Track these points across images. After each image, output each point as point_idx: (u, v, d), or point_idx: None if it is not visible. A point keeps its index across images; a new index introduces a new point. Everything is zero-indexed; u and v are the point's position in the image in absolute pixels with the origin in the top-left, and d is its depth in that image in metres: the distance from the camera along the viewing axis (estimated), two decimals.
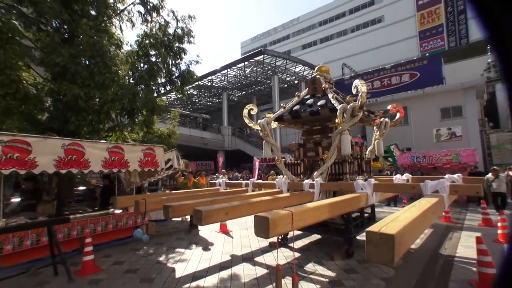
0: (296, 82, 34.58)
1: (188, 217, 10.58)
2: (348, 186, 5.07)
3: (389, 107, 7.71)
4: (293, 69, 32.51)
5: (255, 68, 31.23)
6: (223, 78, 33.29)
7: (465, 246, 6.21)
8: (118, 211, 7.31)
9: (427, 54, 32.27)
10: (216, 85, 34.80)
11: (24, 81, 6.85)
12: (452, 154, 13.01)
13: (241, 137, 32.65)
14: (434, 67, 21.09)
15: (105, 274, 5.02)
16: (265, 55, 28.38)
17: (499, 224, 6.68)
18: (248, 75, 32.78)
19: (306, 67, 31.40)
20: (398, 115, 7.51)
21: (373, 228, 2.10)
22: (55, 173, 5.63)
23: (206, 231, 8.41)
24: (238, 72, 32.04)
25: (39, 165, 5.19)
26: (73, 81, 6.78)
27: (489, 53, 26.14)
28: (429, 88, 19.73)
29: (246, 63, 29.95)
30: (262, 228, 2.71)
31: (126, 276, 4.92)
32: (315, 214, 3.29)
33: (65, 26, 7.68)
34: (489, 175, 9.89)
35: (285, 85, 35.18)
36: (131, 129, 9.42)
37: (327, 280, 4.55)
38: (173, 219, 10.40)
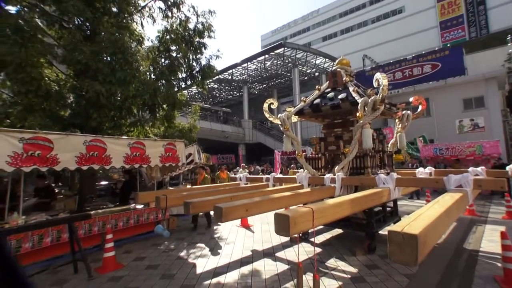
0: (316, 74, 34.21)
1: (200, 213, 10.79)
2: (370, 180, 4.96)
3: (411, 99, 7.43)
4: (314, 61, 32.14)
5: (275, 61, 31.13)
6: (243, 72, 33.40)
7: (489, 240, 6.04)
8: (139, 206, 7.48)
9: (448, 45, 31.23)
10: (237, 78, 34.96)
11: (47, 78, 6.99)
12: (475, 146, 12.70)
13: (261, 130, 32.72)
14: (456, 57, 20.46)
15: (126, 271, 5.06)
16: (285, 48, 28.22)
17: None
18: (269, 68, 32.74)
19: (327, 59, 31.02)
20: (420, 107, 7.23)
21: (396, 227, 2.03)
22: (77, 169, 5.73)
23: (227, 225, 8.49)
24: (259, 65, 32.06)
25: (61, 162, 5.26)
26: (94, 78, 6.90)
27: (509, 44, 25.34)
28: (451, 79, 19.23)
29: (266, 56, 29.90)
30: (282, 226, 2.69)
31: (146, 272, 4.97)
32: (336, 210, 3.23)
33: (87, 24, 7.82)
34: None
35: (306, 78, 34.90)
36: (152, 124, 9.59)
37: (349, 276, 4.49)
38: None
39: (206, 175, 9.82)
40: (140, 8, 8.98)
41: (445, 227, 2.61)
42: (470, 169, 4.89)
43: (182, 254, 5.96)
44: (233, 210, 3.38)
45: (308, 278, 4.32)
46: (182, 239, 7.14)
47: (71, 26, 7.74)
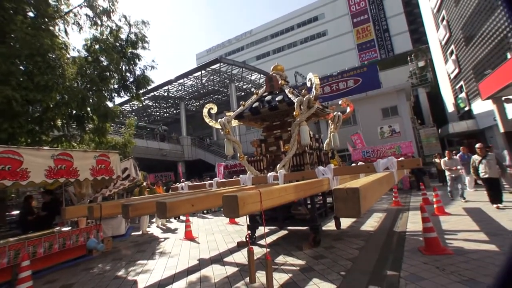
0: (253, 89, 35.10)
1: (149, 230, 10.07)
2: (310, 173, 5.19)
3: (340, 102, 8.17)
4: (249, 77, 33.22)
5: (211, 77, 31.29)
6: (180, 88, 32.77)
7: (412, 222, 6.92)
8: (65, 228, 6.58)
9: (365, 63, 36.07)
10: (173, 95, 34.08)
11: None
12: (395, 146, 14.87)
13: (201, 146, 32.03)
14: (373, 73, 23.99)
15: None
16: (221, 64, 28.62)
17: (434, 200, 7.79)
18: (206, 84, 32.72)
19: (262, 75, 32.25)
20: (348, 109, 7.98)
21: (339, 186, 2.17)
22: None
23: (170, 240, 8.02)
24: (195, 81, 31.86)
25: None
26: (6, 82, 6.00)
27: (409, 64, 32.00)
28: (370, 91, 21.80)
29: (203, 72, 29.86)
30: (231, 208, 2.61)
31: None
32: (281, 194, 3.28)
33: None
34: (475, 156, 7.76)
35: (243, 93, 35.60)
36: (80, 140, 8.65)
37: (298, 268, 4.56)
38: (132, 233, 9.74)
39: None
40: (63, 14, 8.21)
41: (379, 191, 2.86)
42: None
43: (120, 273, 5.36)
44: (178, 205, 3.20)
45: (258, 276, 4.25)
46: (119, 259, 6.44)
47: None
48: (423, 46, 35.05)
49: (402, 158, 5.62)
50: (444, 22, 21.22)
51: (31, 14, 7.43)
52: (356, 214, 1.95)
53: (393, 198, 10.07)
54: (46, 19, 7.53)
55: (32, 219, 7.06)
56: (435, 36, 24.72)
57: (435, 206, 7.64)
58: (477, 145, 7.88)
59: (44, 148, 5.95)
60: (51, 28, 7.64)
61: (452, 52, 21.06)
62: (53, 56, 6.77)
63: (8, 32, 6.47)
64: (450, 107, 25.04)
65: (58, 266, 6.08)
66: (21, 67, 6.51)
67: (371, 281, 3.79)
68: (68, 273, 5.70)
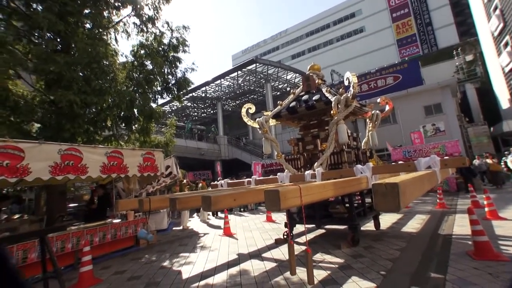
0: (288, 89, 35.32)
1: (189, 225, 10.57)
2: (348, 172, 5.15)
3: (378, 100, 7.96)
4: (285, 77, 33.33)
5: (247, 77, 31.89)
6: (217, 89, 33.81)
7: (460, 226, 6.50)
8: (116, 220, 7.18)
9: (406, 59, 34.37)
10: (210, 95, 35.23)
11: (14, 91, 6.71)
12: (439, 146, 13.88)
13: (237, 146, 32.69)
14: (414, 69, 22.84)
15: (106, 284, 4.76)
16: (257, 64, 29.05)
17: (485, 203, 7.15)
18: (242, 84, 33.39)
19: (297, 75, 32.20)
20: (387, 107, 7.75)
21: (378, 181, 2.20)
22: (46, 186, 5.31)
23: (210, 235, 8.37)
24: (232, 82, 32.66)
25: (33, 172, 4.92)
26: (68, 88, 6.71)
27: (455, 58, 29.61)
28: (411, 88, 20.74)
29: (239, 72, 30.49)
30: (273, 201, 2.74)
31: (129, 283, 4.73)
32: (320, 190, 3.34)
33: (58, 39, 7.63)
34: None
35: (278, 93, 35.76)
36: (127, 139, 9.35)
37: (336, 266, 4.57)
38: (173, 228, 10.30)
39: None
40: (114, 23, 8.94)
41: (419, 189, 2.83)
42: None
43: (166, 263, 5.76)
44: (222, 199, 3.39)
45: (297, 272, 4.33)
46: (163, 251, 6.88)
47: (41, 41, 7.44)
48: (471, 38, 32.75)
49: (447, 158, 5.37)
50: (497, 12, 19.77)
51: (87, 25, 8.19)
52: (395, 209, 1.98)
53: (438, 200, 9.52)
54: (101, 29, 8.28)
55: (86, 210, 7.86)
56: (486, 27, 23.05)
57: (486, 209, 7.03)
58: None
59: (99, 146, 6.54)
60: (104, 37, 8.38)
61: (507, 44, 19.47)
62: (106, 63, 7.44)
63: (72, 43, 7.21)
64: (504, 103, 23.08)
65: (110, 255, 6.70)
66: (80, 74, 7.22)
67: (413, 282, 3.69)
68: (119, 262, 6.24)
